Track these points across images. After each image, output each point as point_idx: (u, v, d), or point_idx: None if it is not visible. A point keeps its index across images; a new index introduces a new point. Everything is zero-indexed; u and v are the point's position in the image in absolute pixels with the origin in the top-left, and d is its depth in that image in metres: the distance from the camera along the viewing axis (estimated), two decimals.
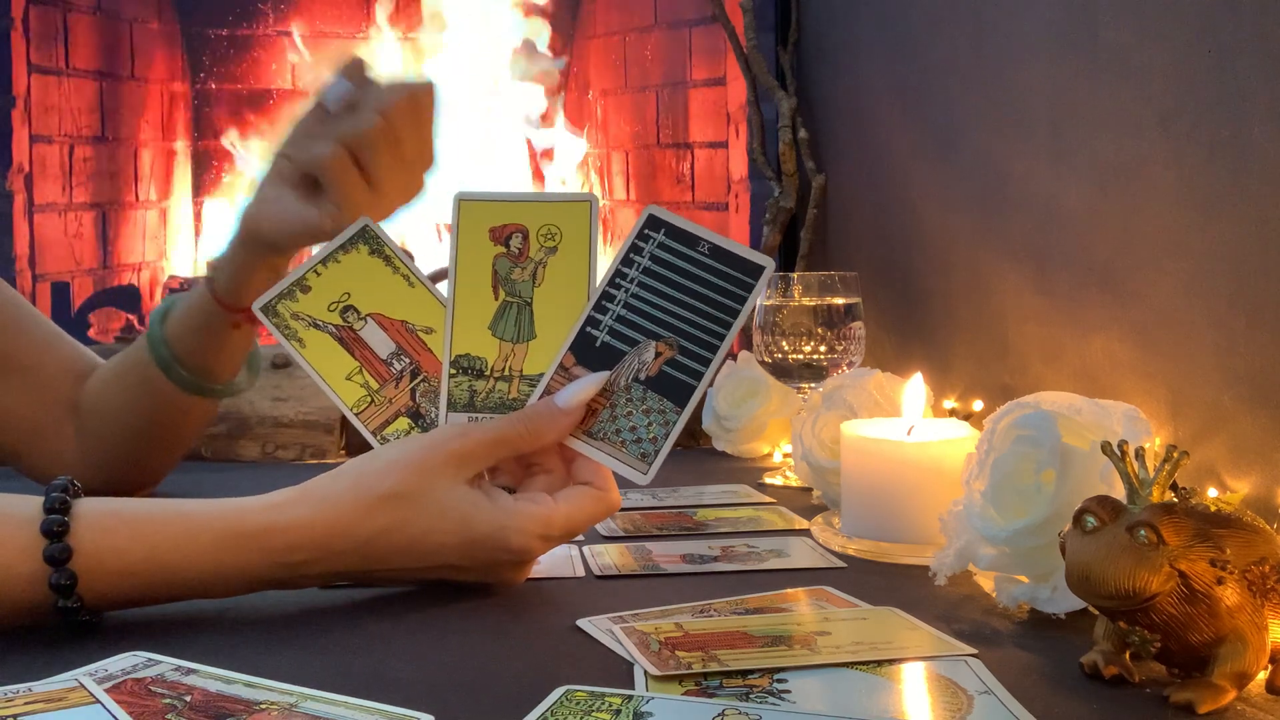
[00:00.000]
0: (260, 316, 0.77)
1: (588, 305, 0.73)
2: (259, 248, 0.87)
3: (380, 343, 0.76)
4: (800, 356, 1.08)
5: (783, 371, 1.10)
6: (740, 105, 1.71)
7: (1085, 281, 0.91)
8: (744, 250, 0.72)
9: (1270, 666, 0.53)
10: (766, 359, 1.10)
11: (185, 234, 1.92)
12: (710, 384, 0.71)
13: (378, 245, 0.77)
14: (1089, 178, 0.90)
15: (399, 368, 0.76)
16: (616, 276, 0.73)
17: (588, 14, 1.95)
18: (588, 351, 0.72)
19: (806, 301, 1.08)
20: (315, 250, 0.78)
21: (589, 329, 0.72)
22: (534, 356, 0.73)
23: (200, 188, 1.92)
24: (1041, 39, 0.97)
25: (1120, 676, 0.54)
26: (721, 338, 0.71)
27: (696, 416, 1.31)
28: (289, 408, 1.28)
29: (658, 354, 0.71)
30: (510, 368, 0.73)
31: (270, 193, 0.85)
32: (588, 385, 0.71)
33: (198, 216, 1.93)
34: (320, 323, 0.76)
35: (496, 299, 0.74)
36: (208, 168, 1.93)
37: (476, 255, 0.74)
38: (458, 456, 0.68)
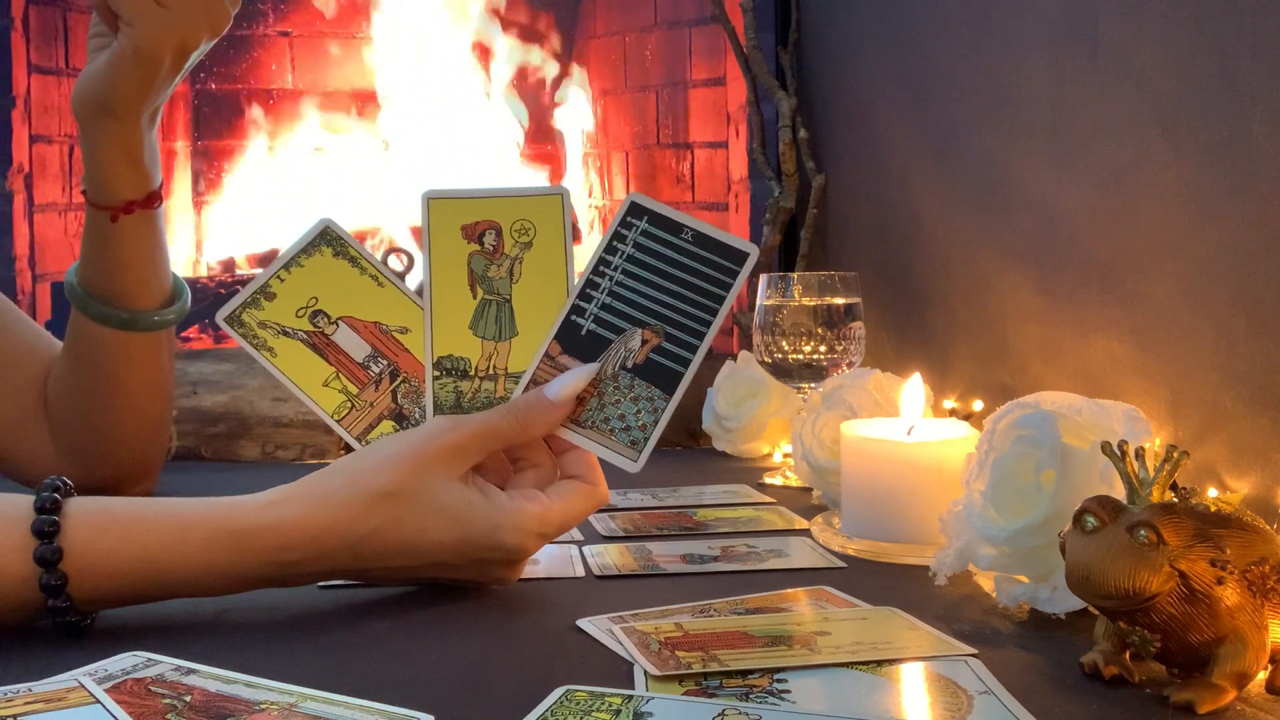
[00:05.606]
0: (226, 327, 0.75)
1: (572, 293, 0.73)
2: (94, 119, 0.87)
3: (355, 346, 0.75)
4: (800, 356, 1.08)
5: (783, 371, 1.10)
6: (740, 105, 1.71)
7: (1085, 282, 0.91)
8: (728, 237, 0.72)
9: (1270, 666, 0.53)
10: (766, 359, 1.10)
11: (185, 234, 1.92)
12: (696, 369, 0.71)
13: (341, 246, 0.76)
14: (1089, 178, 0.90)
15: (377, 370, 0.75)
16: (600, 264, 0.73)
17: (588, 14, 1.95)
18: (573, 340, 0.72)
19: (806, 301, 1.08)
20: (278, 257, 0.77)
21: (574, 317, 0.72)
22: (517, 354, 0.73)
23: (200, 188, 1.92)
24: (1041, 39, 0.97)
25: (1120, 676, 0.54)
26: (708, 325, 0.71)
27: (697, 417, 1.32)
28: (289, 408, 1.28)
29: (644, 341, 0.71)
30: (494, 366, 0.73)
31: (86, 69, 0.87)
32: (578, 377, 0.71)
33: (198, 216, 1.93)
34: (290, 330, 0.75)
35: (475, 298, 0.74)
36: (208, 168, 1.93)
37: (451, 254, 0.74)
38: (450, 450, 0.67)
